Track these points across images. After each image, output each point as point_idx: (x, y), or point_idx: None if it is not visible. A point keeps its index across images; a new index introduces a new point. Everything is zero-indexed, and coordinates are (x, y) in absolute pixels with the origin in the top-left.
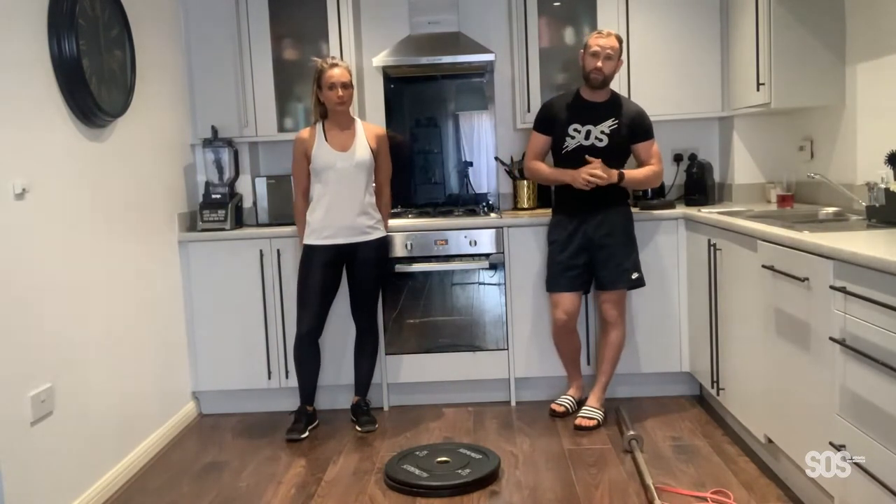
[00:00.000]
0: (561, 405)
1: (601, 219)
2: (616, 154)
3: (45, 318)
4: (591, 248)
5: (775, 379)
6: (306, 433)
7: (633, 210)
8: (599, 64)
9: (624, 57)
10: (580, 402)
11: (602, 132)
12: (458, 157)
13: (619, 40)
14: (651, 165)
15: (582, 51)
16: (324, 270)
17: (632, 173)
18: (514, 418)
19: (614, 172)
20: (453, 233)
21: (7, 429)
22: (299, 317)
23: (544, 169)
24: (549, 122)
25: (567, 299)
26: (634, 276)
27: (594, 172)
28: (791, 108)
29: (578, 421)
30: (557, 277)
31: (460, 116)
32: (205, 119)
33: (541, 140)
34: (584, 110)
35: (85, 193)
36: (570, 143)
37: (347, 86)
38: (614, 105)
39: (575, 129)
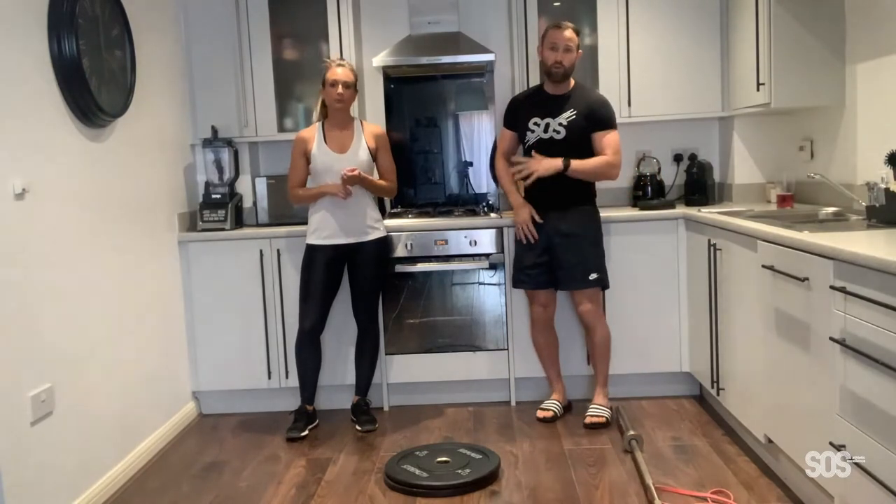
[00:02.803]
0: (548, 410)
1: (562, 217)
2: (576, 146)
3: (45, 318)
4: (551, 248)
5: (775, 379)
6: (306, 431)
7: (633, 210)
8: (559, 57)
9: (620, 48)
10: (566, 407)
11: (560, 124)
12: (458, 157)
13: (576, 31)
14: (604, 156)
15: (539, 45)
16: (325, 269)
17: (579, 162)
18: (514, 418)
19: (556, 160)
20: (453, 233)
21: (7, 429)
22: (301, 314)
23: (504, 178)
24: (513, 117)
25: (542, 294)
26: (592, 276)
27: (530, 227)
28: (791, 108)
29: (588, 419)
30: (521, 275)
31: (460, 116)
32: (205, 119)
33: (507, 136)
34: (544, 104)
35: (85, 193)
36: (531, 137)
37: (349, 85)
38: (574, 96)
39: (535, 123)
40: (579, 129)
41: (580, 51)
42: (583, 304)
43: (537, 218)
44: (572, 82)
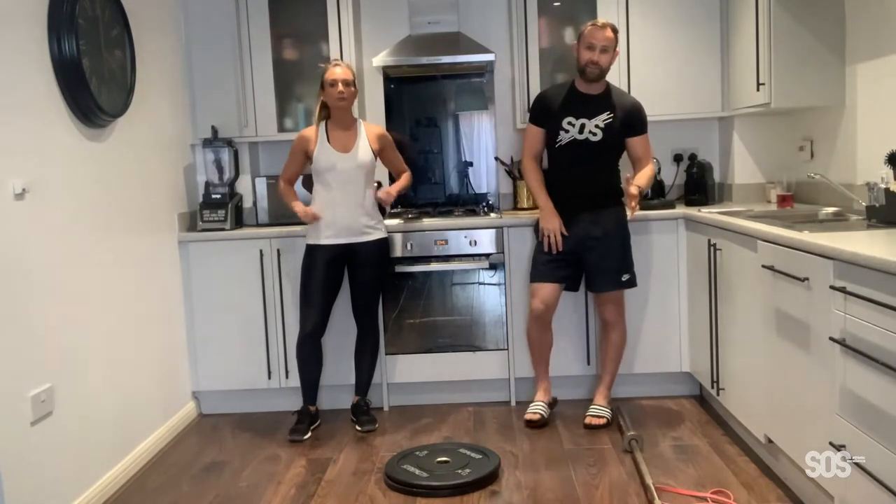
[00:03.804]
0: (535, 413)
1: (593, 219)
2: (610, 148)
3: (45, 318)
4: (580, 249)
5: (775, 379)
6: (309, 433)
7: None
8: (595, 57)
9: (620, 48)
10: (551, 405)
11: (597, 126)
12: (458, 157)
13: (615, 31)
14: (649, 165)
15: (576, 42)
16: (326, 269)
17: (643, 184)
18: (514, 418)
19: (635, 189)
20: (453, 233)
21: (7, 429)
22: (303, 316)
23: (533, 179)
24: (544, 113)
25: (546, 289)
26: (625, 277)
27: (558, 237)
28: (791, 108)
29: (588, 420)
30: (539, 267)
31: (460, 116)
32: (205, 119)
33: (536, 133)
34: (578, 103)
35: (85, 193)
36: (564, 137)
37: (349, 83)
38: (610, 98)
39: (569, 123)
40: (616, 132)
41: (618, 50)
42: (608, 303)
43: (565, 231)
44: (606, 83)
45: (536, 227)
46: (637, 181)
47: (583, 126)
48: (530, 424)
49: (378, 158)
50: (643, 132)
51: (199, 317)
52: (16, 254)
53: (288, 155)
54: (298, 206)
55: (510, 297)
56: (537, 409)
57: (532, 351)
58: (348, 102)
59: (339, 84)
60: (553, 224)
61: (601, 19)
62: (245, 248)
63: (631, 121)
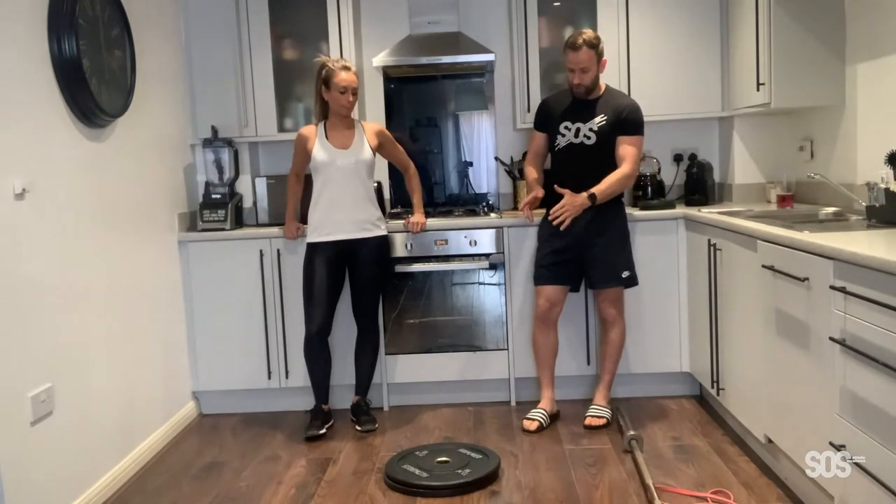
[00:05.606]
0: (534, 420)
1: (592, 217)
2: (605, 151)
3: (45, 318)
4: (581, 247)
5: (775, 379)
6: (324, 430)
7: (634, 210)
8: (576, 80)
9: (620, 48)
10: (553, 416)
11: (591, 129)
12: (458, 157)
13: (592, 45)
14: (621, 169)
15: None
16: (327, 267)
17: (601, 190)
18: (514, 418)
19: (583, 197)
20: (453, 233)
21: (7, 429)
22: (308, 315)
23: (528, 176)
24: (544, 119)
25: (551, 289)
26: (625, 274)
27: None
28: (791, 108)
29: (588, 421)
30: (542, 270)
31: (460, 116)
32: (205, 119)
33: (538, 138)
34: (576, 107)
35: (85, 193)
36: (561, 141)
37: (356, 91)
38: (606, 101)
39: (566, 127)
40: (608, 134)
41: (605, 59)
42: (605, 301)
43: (539, 192)
44: (603, 86)
45: (539, 230)
46: (596, 187)
47: (578, 130)
48: (527, 432)
49: (378, 154)
50: (631, 133)
51: (199, 317)
52: (16, 254)
53: (293, 156)
54: (289, 224)
55: (510, 297)
56: (536, 416)
57: (536, 353)
58: (352, 109)
59: (349, 94)
60: (526, 197)
61: (579, 36)
62: (245, 248)
63: (620, 120)
